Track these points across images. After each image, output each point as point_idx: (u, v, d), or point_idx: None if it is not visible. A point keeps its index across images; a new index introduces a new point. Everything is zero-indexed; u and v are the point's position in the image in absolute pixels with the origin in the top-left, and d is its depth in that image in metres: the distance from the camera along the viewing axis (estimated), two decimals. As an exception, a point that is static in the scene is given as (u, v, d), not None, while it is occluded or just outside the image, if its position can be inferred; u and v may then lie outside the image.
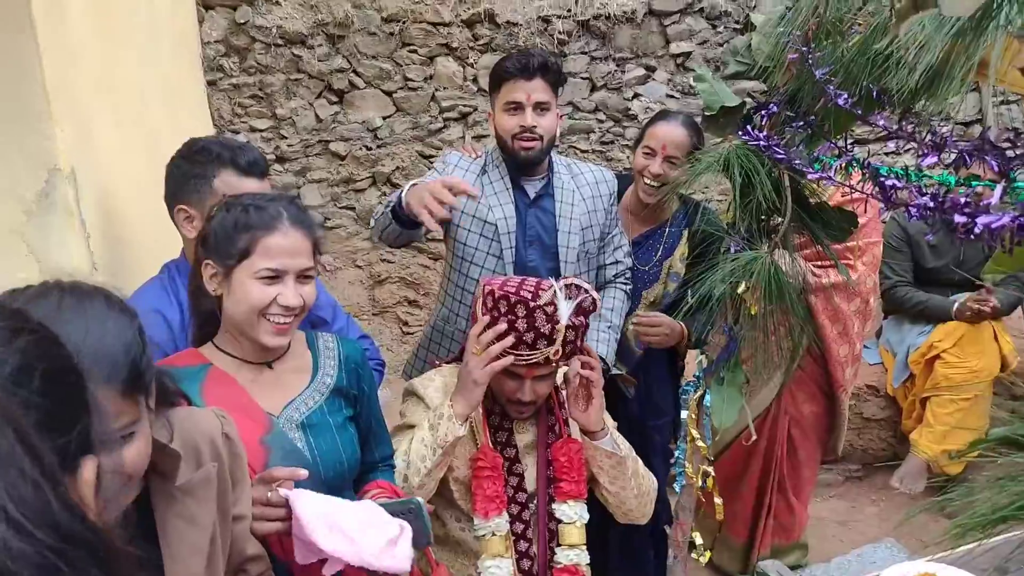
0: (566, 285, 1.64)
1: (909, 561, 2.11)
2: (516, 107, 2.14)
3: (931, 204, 1.00)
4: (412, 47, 4.12)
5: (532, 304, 1.62)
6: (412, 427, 1.76)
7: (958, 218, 0.91)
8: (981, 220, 0.89)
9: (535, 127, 2.13)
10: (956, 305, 3.35)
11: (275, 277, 1.43)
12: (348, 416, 1.59)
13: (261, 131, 4.12)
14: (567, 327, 1.63)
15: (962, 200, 0.94)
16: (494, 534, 1.68)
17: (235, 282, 1.43)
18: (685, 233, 2.41)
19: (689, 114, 2.47)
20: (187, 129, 2.87)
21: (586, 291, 1.65)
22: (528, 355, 1.62)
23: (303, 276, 1.46)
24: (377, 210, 2.21)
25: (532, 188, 2.24)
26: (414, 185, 2.00)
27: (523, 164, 2.19)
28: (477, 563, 1.71)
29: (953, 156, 1.08)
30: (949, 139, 1.11)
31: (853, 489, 3.61)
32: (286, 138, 4.14)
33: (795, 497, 2.92)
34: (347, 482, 1.60)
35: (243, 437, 1.39)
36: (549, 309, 1.62)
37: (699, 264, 2.27)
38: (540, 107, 2.14)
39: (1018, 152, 0.98)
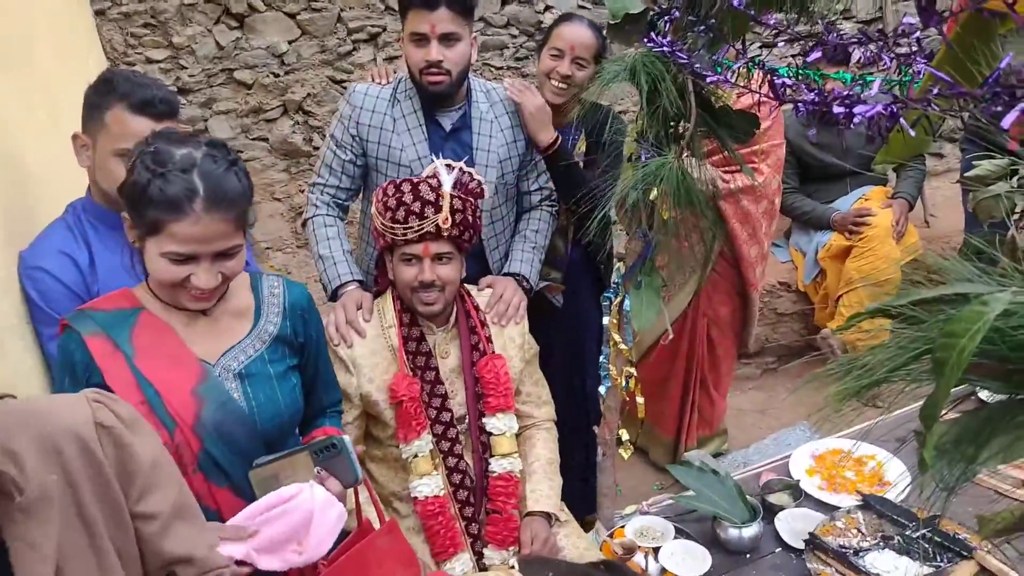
0: (447, 165, 1.80)
1: (820, 439, 2.29)
2: (421, 38, 2.04)
3: (816, 99, 1.05)
4: (309, -37, 3.94)
5: (416, 180, 1.79)
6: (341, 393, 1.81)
7: (837, 109, 0.96)
8: (858, 110, 0.94)
9: (441, 61, 2.04)
10: (833, 215, 3.54)
11: (187, 260, 1.31)
12: (291, 365, 1.53)
13: (158, 62, 3.92)
14: (452, 196, 1.76)
15: (841, 92, 1.00)
16: (417, 455, 1.76)
17: (147, 252, 1.32)
18: (582, 135, 2.44)
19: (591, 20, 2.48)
20: (79, 65, 2.71)
21: (469, 173, 1.79)
22: (419, 224, 1.74)
23: (222, 254, 1.33)
24: (308, 208, 2.23)
25: (448, 120, 2.18)
26: (343, 287, 2.02)
27: (433, 98, 2.13)
28: None
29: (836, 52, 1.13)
30: (830, 35, 1.16)
31: (770, 380, 3.83)
32: (186, 68, 3.95)
33: (715, 391, 3.11)
34: (286, 433, 1.55)
35: (173, 386, 1.33)
36: (433, 181, 1.79)
37: (591, 167, 2.34)
38: (447, 39, 2.04)
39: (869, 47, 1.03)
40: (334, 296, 2.04)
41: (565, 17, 2.46)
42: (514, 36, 4.21)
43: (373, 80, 2.25)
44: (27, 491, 0.94)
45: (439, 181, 1.78)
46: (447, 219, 1.74)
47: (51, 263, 1.60)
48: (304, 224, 2.23)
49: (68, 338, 1.35)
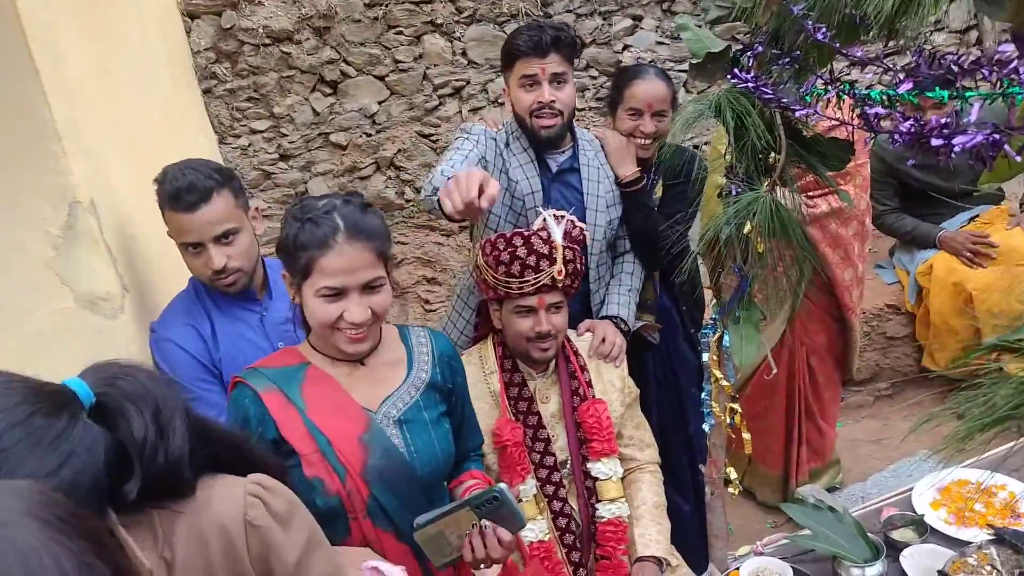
0: (555, 215, 1.80)
1: (944, 470, 2.17)
2: (532, 82, 2.10)
3: (912, 129, 1.04)
4: (398, 28, 4.13)
5: (527, 233, 1.83)
6: None
7: (935, 142, 0.95)
8: (957, 140, 0.92)
9: (553, 102, 2.09)
10: (940, 234, 3.37)
11: (338, 294, 1.41)
12: (442, 412, 1.60)
13: (261, 132, 4.18)
14: (564, 247, 1.81)
15: (939, 122, 0.98)
16: (522, 500, 1.77)
17: (304, 297, 1.44)
18: (660, 180, 2.44)
19: (653, 63, 2.49)
20: (191, 143, 2.93)
21: (571, 222, 1.83)
22: (535, 278, 1.77)
23: (369, 287, 1.43)
24: (427, 186, 2.05)
25: (554, 162, 2.23)
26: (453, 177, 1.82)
27: (543, 141, 2.17)
28: None
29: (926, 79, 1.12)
30: (923, 62, 1.14)
31: (884, 408, 3.66)
32: (286, 135, 4.19)
33: (823, 420, 3.00)
34: (441, 478, 1.61)
35: (343, 435, 1.39)
36: (543, 234, 1.84)
37: (667, 204, 2.33)
38: (557, 80, 2.10)
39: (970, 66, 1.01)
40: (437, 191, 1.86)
41: (635, 73, 2.43)
42: (594, 78, 4.27)
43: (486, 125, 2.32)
44: None
45: (549, 233, 1.83)
46: (561, 270, 1.78)
47: (178, 334, 1.74)
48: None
49: (241, 393, 1.45)
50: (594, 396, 1.88)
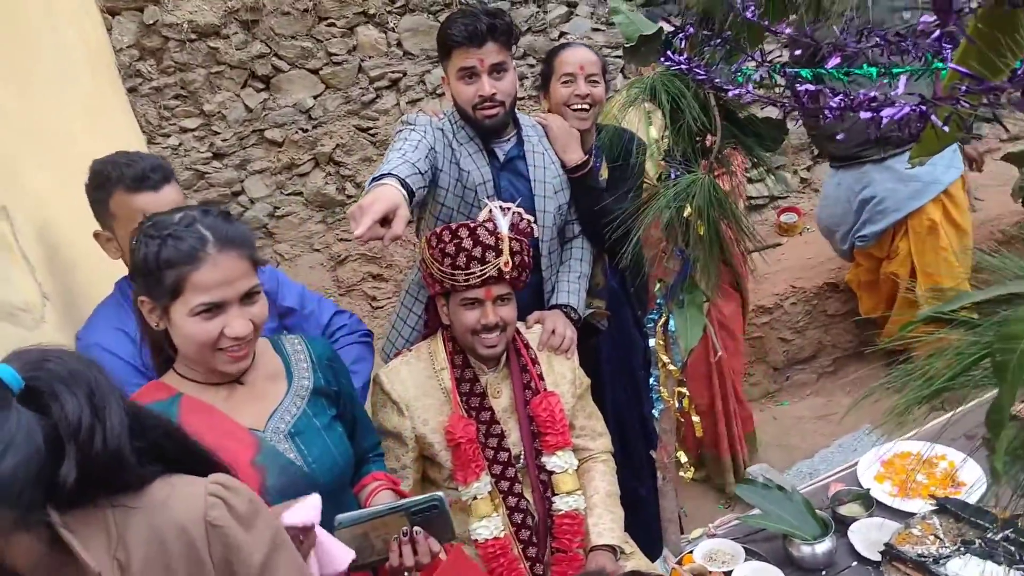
0: (501, 207, 1.84)
1: (887, 443, 2.22)
2: (471, 74, 2.05)
3: (842, 104, 1.04)
4: (330, 20, 4.04)
5: (473, 224, 1.82)
6: (389, 436, 1.83)
7: (864, 114, 0.95)
8: (886, 113, 0.92)
9: (494, 94, 2.05)
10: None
11: (215, 309, 1.32)
12: (332, 415, 1.55)
13: (192, 130, 4.04)
14: (510, 238, 1.79)
15: (868, 96, 0.98)
16: (477, 497, 1.75)
17: (175, 320, 1.32)
18: (603, 162, 2.43)
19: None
20: (118, 143, 2.80)
21: (518, 214, 1.81)
22: (481, 269, 1.75)
23: (247, 298, 1.36)
24: (368, 183, 1.88)
25: (501, 151, 2.19)
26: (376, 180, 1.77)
27: (488, 131, 2.14)
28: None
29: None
30: (850, 40, 1.14)
31: (827, 384, 3.74)
32: (219, 133, 4.06)
33: (738, 389, 3.09)
34: (346, 483, 1.55)
35: (234, 462, 1.25)
36: (489, 225, 1.82)
37: (611, 192, 2.33)
38: (497, 70, 2.06)
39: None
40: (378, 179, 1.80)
41: (562, 46, 2.49)
42: (532, 66, 4.25)
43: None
44: None
45: (495, 224, 1.80)
46: (508, 262, 1.75)
47: (106, 339, 1.65)
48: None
49: None
50: (546, 389, 1.86)
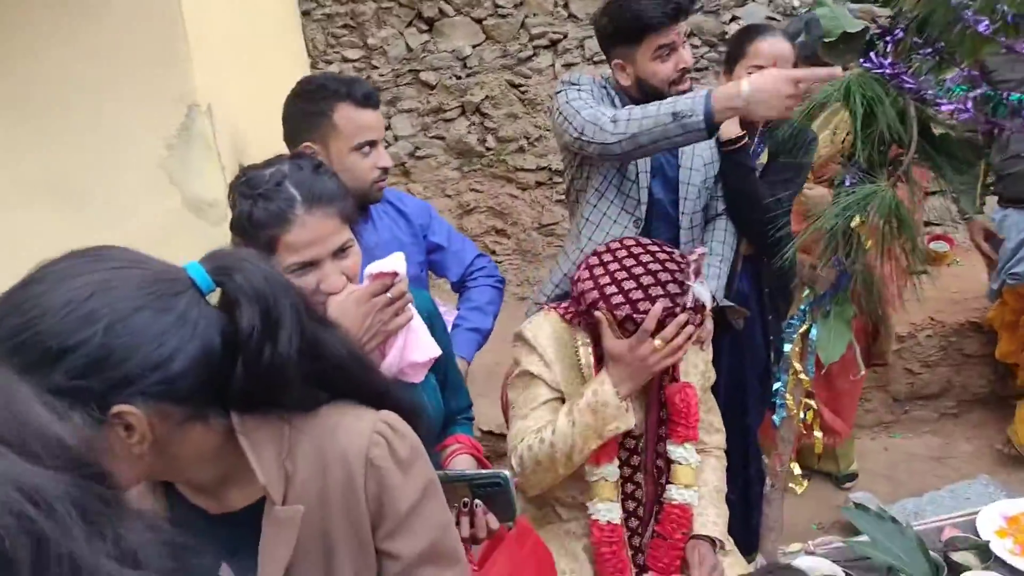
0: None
1: (1008, 499, 2.10)
2: (670, 50, 2.03)
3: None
4: (503, -28, 4.05)
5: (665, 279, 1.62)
6: (533, 378, 1.75)
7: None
8: None
9: (690, 63, 2.05)
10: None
11: (309, 266, 1.34)
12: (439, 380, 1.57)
13: (353, 61, 4.16)
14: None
15: None
16: (605, 480, 1.73)
17: None
18: (765, 149, 2.34)
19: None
20: (294, 63, 2.93)
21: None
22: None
23: (340, 251, 1.37)
24: (588, 127, 1.96)
25: None
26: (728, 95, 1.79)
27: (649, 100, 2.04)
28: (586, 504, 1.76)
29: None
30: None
31: (948, 426, 3.55)
32: (377, 68, 4.17)
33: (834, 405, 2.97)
34: (432, 438, 1.52)
35: None
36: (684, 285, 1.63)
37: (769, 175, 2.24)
38: (684, 38, 2.05)
39: None
40: (709, 118, 1.82)
41: (758, 30, 2.36)
42: (695, 47, 4.14)
43: None
44: (280, 507, 0.96)
45: (695, 296, 1.62)
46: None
47: None
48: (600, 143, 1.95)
49: None
50: (680, 378, 1.83)
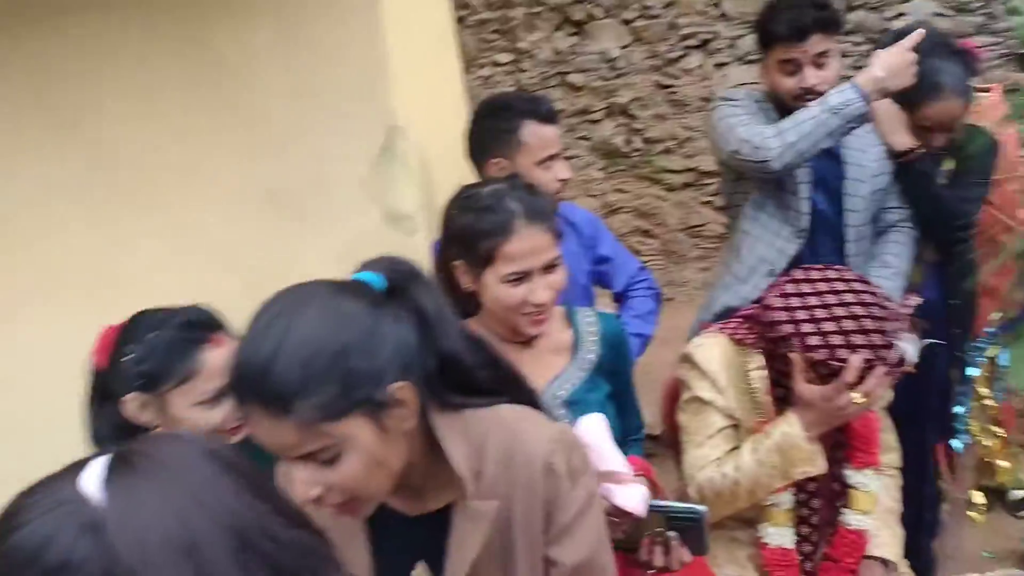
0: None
1: None
2: (793, 67, 1.98)
3: None
4: (653, -28, 4.04)
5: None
6: (705, 405, 1.71)
7: None
8: None
9: (815, 84, 1.95)
10: None
11: (523, 277, 1.43)
12: (608, 393, 1.60)
13: (503, 65, 4.27)
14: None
15: None
16: (779, 506, 1.70)
17: (487, 283, 1.45)
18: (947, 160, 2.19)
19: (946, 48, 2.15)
20: (452, 73, 3.04)
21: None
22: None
23: (550, 267, 1.45)
24: (744, 144, 1.97)
25: None
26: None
27: None
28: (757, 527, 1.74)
29: None
30: None
31: None
32: (526, 71, 4.26)
33: None
34: None
35: None
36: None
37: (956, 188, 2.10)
38: (819, 58, 1.96)
39: None
40: (867, 99, 1.87)
41: (931, 89, 2.05)
42: (857, 44, 3.97)
43: None
44: (473, 502, 1.02)
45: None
46: None
47: None
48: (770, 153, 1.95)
49: None
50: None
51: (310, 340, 0.91)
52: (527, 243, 1.41)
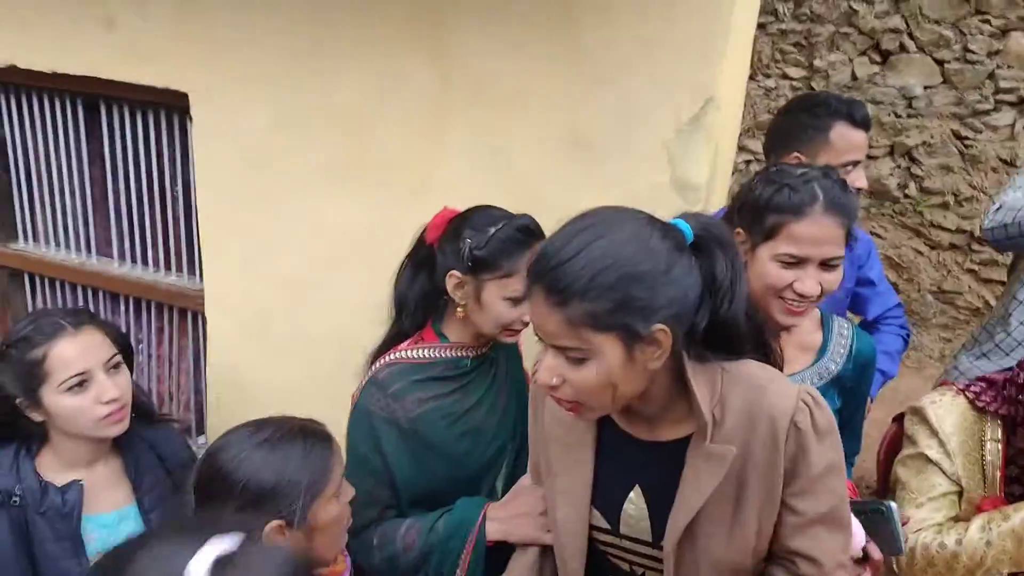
0: None
1: None
2: None
3: None
4: (985, 16, 3.75)
5: None
6: (930, 464, 1.61)
7: None
8: None
9: None
10: None
11: (799, 262, 1.39)
12: (836, 409, 1.56)
13: (792, 79, 4.18)
14: None
15: None
16: None
17: (757, 258, 1.42)
18: None
19: None
20: (736, 71, 3.01)
21: None
22: None
23: (827, 264, 1.40)
24: (996, 215, 1.98)
25: None
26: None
27: None
28: None
29: None
30: None
31: None
32: (813, 90, 4.14)
33: None
34: None
35: None
36: None
37: None
38: None
39: None
40: None
41: None
42: None
43: None
44: (712, 444, 1.08)
45: None
46: None
47: None
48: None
49: None
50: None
51: (609, 255, 0.99)
52: (816, 230, 1.38)
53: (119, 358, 1.49)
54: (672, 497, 1.13)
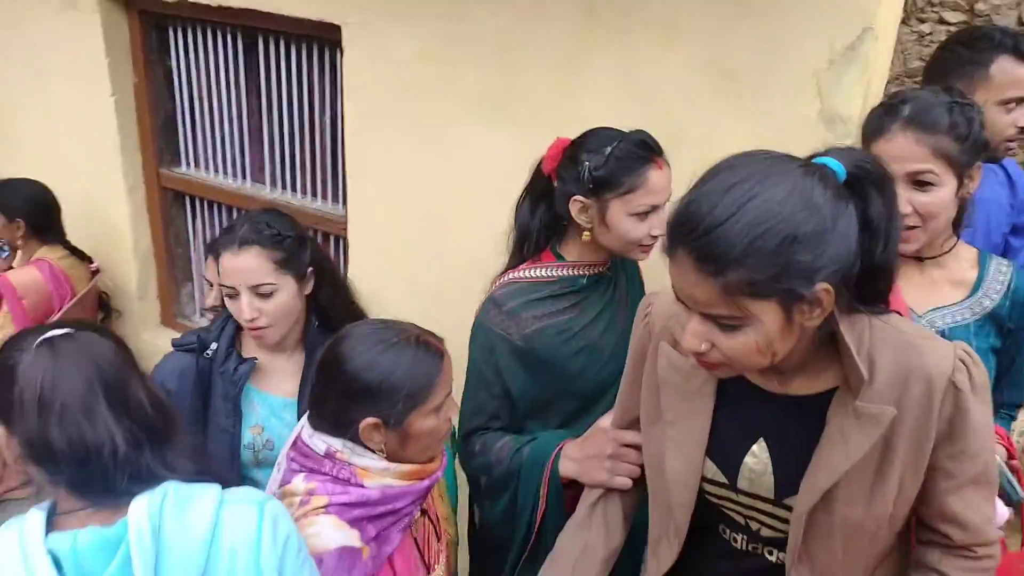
0: None
1: None
2: None
3: None
4: None
5: None
6: None
7: None
8: None
9: None
10: None
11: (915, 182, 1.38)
12: (993, 347, 1.50)
13: (949, 24, 3.88)
14: None
15: None
16: None
17: None
18: None
19: None
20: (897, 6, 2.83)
21: None
22: None
23: (918, 179, 1.37)
24: None
25: None
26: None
27: None
28: None
29: None
30: None
31: None
32: (973, 36, 3.84)
33: None
34: None
35: None
36: None
37: None
38: None
39: None
40: None
41: None
42: None
43: None
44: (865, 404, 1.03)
45: None
46: None
47: None
48: None
49: None
50: None
51: (769, 217, 0.89)
52: (894, 148, 1.36)
53: (268, 287, 1.55)
54: (800, 454, 1.08)
